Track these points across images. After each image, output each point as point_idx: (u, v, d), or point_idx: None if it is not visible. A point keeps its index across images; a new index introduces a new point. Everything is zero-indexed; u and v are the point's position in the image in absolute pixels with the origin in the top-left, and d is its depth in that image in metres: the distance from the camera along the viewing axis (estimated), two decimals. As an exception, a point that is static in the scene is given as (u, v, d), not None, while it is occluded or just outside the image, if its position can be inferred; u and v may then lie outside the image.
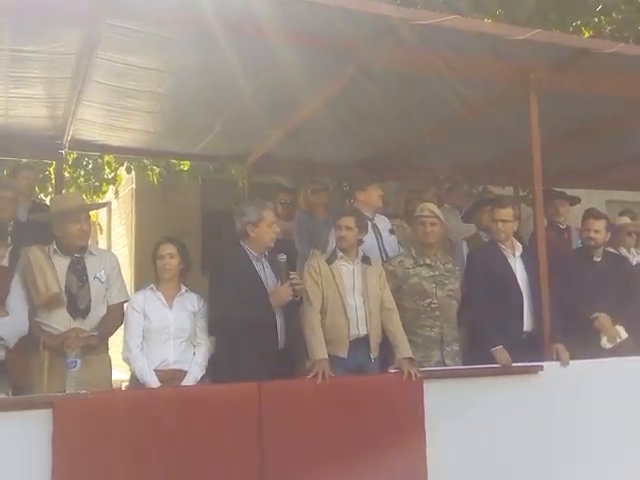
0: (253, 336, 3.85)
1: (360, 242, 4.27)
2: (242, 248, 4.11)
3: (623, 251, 5.49)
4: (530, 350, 4.38)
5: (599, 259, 4.96)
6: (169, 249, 4.03)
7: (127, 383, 4.16)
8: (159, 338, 3.88)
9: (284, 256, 4.02)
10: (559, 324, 4.43)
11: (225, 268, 4.07)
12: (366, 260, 4.24)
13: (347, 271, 4.16)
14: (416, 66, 4.25)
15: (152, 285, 4.06)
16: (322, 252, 4.42)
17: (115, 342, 4.18)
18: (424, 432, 3.87)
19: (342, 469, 3.71)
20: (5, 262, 4.08)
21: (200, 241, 9.53)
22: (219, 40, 3.72)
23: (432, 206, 4.57)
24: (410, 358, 3.99)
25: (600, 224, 4.91)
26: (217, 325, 3.98)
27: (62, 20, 3.60)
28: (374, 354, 4.10)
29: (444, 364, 4.28)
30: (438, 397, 3.93)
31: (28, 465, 3.22)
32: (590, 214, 5.03)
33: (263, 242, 4.09)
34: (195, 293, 4.11)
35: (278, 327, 4.00)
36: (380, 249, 4.74)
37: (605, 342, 4.65)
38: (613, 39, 7.28)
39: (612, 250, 5.27)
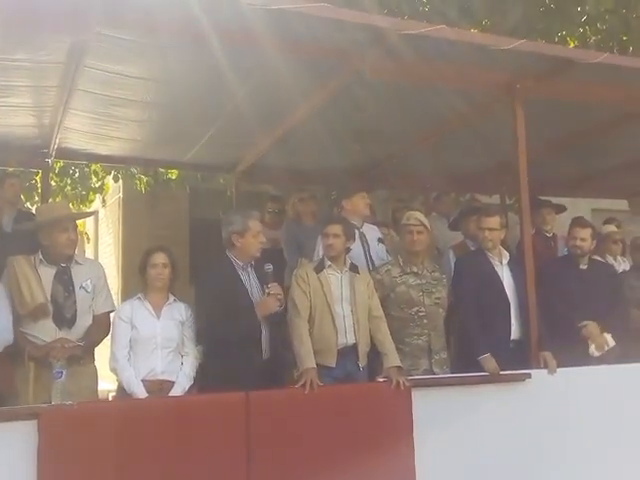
0: (238, 346, 3.85)
1: (347, 250, 4.27)
2: (228, 258, 4.09)
3: (609, 259, 5.54)
4: (518, 358, 4.39)
5: (585, 267, 5.00)
6: (163, 258, 4.02)
7: (114, 393, 4.13)
8: (146, 348, 3.86)
9: (270, 266, 4.01)
10: (547, 332, 4.44)
11: (210, 279, 4.05)
12: (354, 268, 4.24)
13: (335, 280, 4.16)
14: (404, 76, 4.27)
15: (140, 295, 4.03)
16: (310, 261, 4.42)
17: (102, 352, 4.14)
18: (412, 440, 3.86)
19: (331, 478, 3.70)
20: None
21: (188, 250, 9.50)
22: (208, 49, 3.72)
23: (419, 214, 4.58)
24: (398, 367, 3.99)
25: (586, 232, 4.95)
26: (203, 335, 3.97)
27: (49, 29, 3.57)
28: (362, 363, 4.11)
29: (432, 372, 4.29)
30: (426, 405, 3.93)
31: (13, 477, 3.19)
32: (576, 223, 5.08)
33: (249, 252, 4.07)
34: (183, 302, 4.09)
35: (263, 337, 3.99)
36: (367, 258, 4.74)
37: (593, 350, 4.67)
38: (598, 49, 7.34)
39: (598, 258, 5.30)
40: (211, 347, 3.96)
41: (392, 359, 4.01)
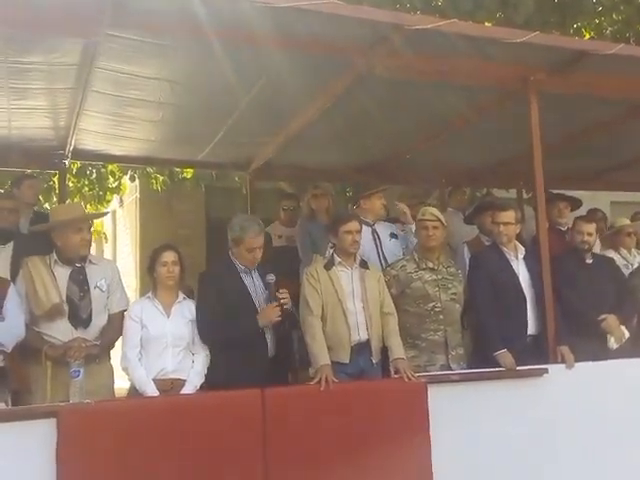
0: (242, 346, 3.89)
1: None
2: (231, 260, 4.12)
3: (623, 252, 5.51)
4: (535, 353, 4.37)
5: (591, 261, 4.99)
6: (172, 256, 4.03)
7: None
8: (157, 347, 3.87)
9: (272, 277, 4.01)
10: (563, 326, 4.42)
11: (212, 280, 4.08)
12: (363, 264, 4.25)
13: (346, 276, 4.16)
14: (415, 71, 4.24)
15: (149, 294, 4.05)
16: (324, 257, 4.43)
17: (117, 350, 4.18)
18: (429, 436, 3.85)
19: (347, 475, 3.71)
20: (5, 273, 4.11)
21: (205, 248, 9.57)
22: (218, 49, 3.73)
23: (434, 210, 4.57)
24: (403, 358, 3.99)
25: (592, 227, 4.97)
26: (205, 335, 3.97)
27: (61, 31, 3.61)
28: (376, 358, 4.11)
29: (449, 368, 4.27)
30: (443, 401, 3.92)
31: (32, 476, 3.23)
32: (582, 218, 5.13)
33: (242, 261, 4.09)
34: (193, 301, 4.10)
35: (268, 339, 4.02)
36: (379, 255, 4.75)
37: (613, 343, 4.67)
38: (614, 40, 7.26)
39: (599, 252, 5.32)
40: (215, 348, 3.97)
41: (397, 351, 4.01)
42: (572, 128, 5.66)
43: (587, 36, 7.80)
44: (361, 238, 4.24)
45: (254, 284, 4.09)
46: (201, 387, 3.91)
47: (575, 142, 6.00)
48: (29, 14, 3.44)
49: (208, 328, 3.95)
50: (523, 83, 4.51)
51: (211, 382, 3.92)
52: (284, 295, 3.94)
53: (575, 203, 5.80)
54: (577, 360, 4.33)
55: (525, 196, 7.52)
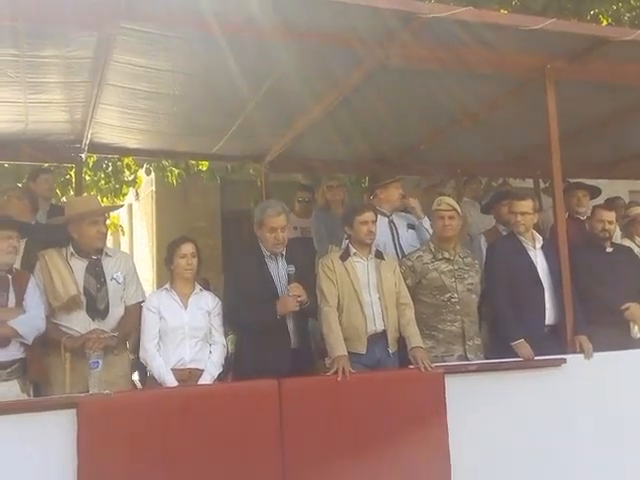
0: (264, 335, 3.91)
1: None
2: (258, 246, 4.14)
3: (638, 240, 5.45)
4: (553, 343, 4.34)
5: (611, 250, 4.93)
6: (191, 248, 4.07)
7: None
8: (175, 338, 3.91)
9: (293, 268, 4.01)
10: (582, 316, 4.38)
11: (236, 265, 4.12)
12: (379, 255, 4.24)
13: (361, 267, 4.15)
14: (431, 61, 4.20)
15: (167, 285, 4.09)
16: (340, 248, 4.42)
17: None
18: (446, 427, 3.84)
19: (364, 465, 3.71)
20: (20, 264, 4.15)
21: (221, 240, 9.59)
22: (232, 42, 3.75)
23: (450, 199, 4.54)
24: (421, 348, 3.98)
25: (612, 215, 4.92)
26: (230, 322, 4.03)
27: (76, 24, 3.62)
28: (392, 349, 4.11)
29: (466, 358, 4.25)
30: (460, 392, 3.91)
31: (53, 466, 3.26)
32: (602, 206, 5.06)
33: (266, 245, 4.10)
34: (209, 292, 4.14)
35: (289, 327, 4.02)
36: (395, 246, 4.73)
37: (637, 331, 4.62)
38: (632, 26, 7.17)
39: (616, 241, 5.24)
40: (239, 334, 4.03)
41: (414, 340, 4.01)
42: (590, 116, 5.59)
43: (605, 23, 7.69)
44: (377, 228, 4.23)
45: (278, 270, 4.10)
46: (218, 377, 3.94)
47: (593, 130, 5.93)
48: (44, 8, 3.46)
49: (231, 312, 4.00)
50: (540, 71, 4.46)
51: (238, 371, 3.99)
52: (296, 291, 3.94)
53: (594, 192, 5.74)
54: (598, 350, 4.30)
55: (542, 185, 7.46)
